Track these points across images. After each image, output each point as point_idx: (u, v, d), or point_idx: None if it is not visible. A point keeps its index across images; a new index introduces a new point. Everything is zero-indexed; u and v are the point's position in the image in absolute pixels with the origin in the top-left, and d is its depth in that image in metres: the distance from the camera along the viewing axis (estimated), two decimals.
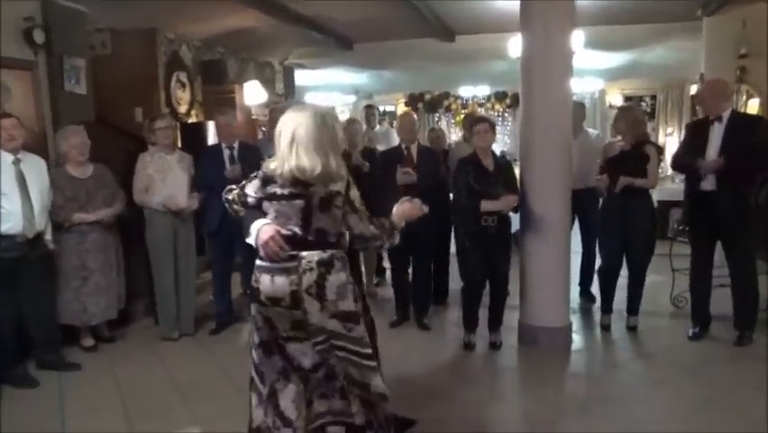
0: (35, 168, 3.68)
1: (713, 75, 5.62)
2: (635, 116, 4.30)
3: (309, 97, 10.54)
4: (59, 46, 4.60)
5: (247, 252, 4.46)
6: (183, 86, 6.58)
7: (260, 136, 6.77)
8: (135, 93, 5.87)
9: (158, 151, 4.26)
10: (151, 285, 4.39)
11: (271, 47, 7.78)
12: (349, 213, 2.30)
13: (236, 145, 4.40)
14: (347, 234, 2.31)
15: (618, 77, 9.70)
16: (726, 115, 3.89)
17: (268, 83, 8.01)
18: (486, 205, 3.75)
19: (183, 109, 6.57)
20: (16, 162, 3.56)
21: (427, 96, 11.25)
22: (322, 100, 11.59)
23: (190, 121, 6.58)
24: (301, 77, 9.36)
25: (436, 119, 11.27)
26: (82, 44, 4.97)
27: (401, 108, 11.16)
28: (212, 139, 5.65)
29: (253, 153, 4.46)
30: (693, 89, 8.69)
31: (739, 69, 5.93)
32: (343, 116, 11.13)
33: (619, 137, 4.37)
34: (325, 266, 2.21)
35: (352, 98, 12.06)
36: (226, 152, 4.35)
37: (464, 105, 11.05)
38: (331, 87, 10.98)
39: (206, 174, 4.28)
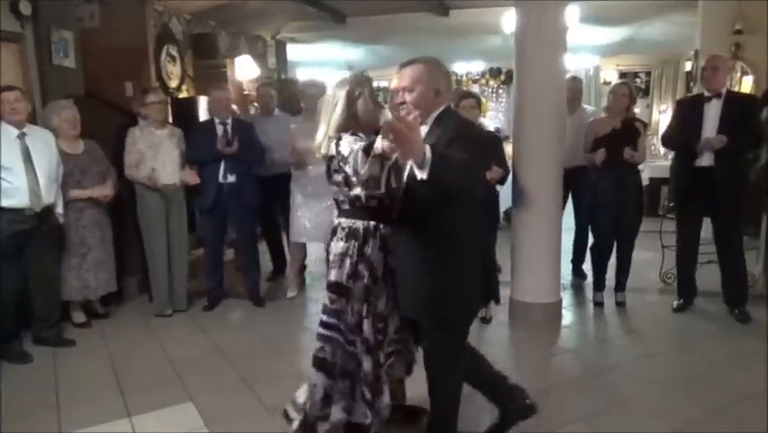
0: (42, 141, 3.63)
1: (708, 51, 5.58)
2: (633, 92, 4.31)
3: (302, 73, 10.41)
4: (46, 18, 4.51)
5: (241, 228, 4.50)
6: (173, 59, 6.48)
7: (251, 112, 6.70)
8: (125, 67, 5.77)
9: (148, 126, 4.22)
10: (144, 262, 4.39)
11: (263, 21, 7.66)
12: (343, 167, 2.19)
13: (230, 121, 4.36)
14: (362, 197, 2.23)
15: (614, 53, 9.62)
16: (724, 91, 3.88)
17: (260, 58, 7.89)
18: None
19: (174, 84, 6.48)
20: (21, 137, 3.50)
21: None
22: (315, 75, 11.48)
23: (181, 96, 6.50)
24: (294, 51, 9.23)
25: None
26: (70, 16, 4.87)
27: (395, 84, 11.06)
28: (203, 115, 5.60)
29: (247, 129, 4.44)
30: (688, 66, 8.64)
31: (734, 46, 5.92)
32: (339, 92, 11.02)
33: (604, 114, 4.40)
34: (333, 232, 2.34)
35: (346, 74, 11.93)
36: (220, 128, 4.31)
37: (458, 82, 10.95)
38: (324, 63, 10.84)
39: (200, 150, 4.24)
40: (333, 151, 2.20)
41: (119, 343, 3.84)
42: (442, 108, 2.18)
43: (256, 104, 6.53)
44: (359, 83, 2.29)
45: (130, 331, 4.07)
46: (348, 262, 2.25)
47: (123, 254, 4.40)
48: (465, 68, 10.94)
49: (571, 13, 5.94)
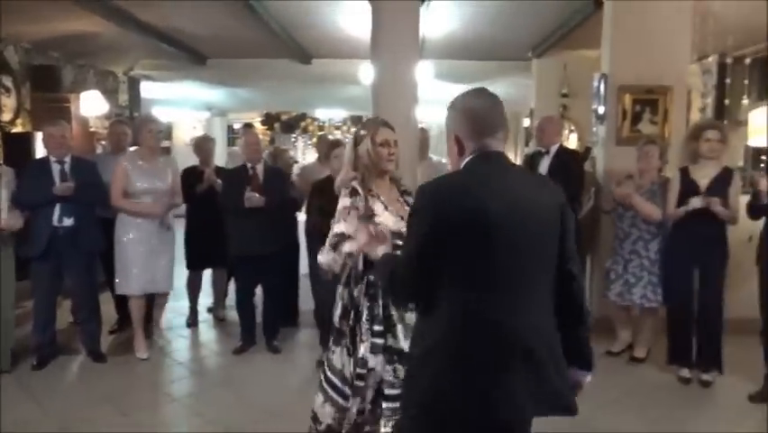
0: None
1: (541, 110, 6.30)
2: None
3: (157, 111, 9.99)
4: None
5: (78, 276, 4.08)
6: (8, 91, 5.91)
7: (98, 150, 6.26)
8: None
9: None
10: None
11: (115, 55, 7.27)
12: None
13: (68, 160, 4.01)
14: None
15: None
16: (553, 149, 4.38)
17: (110, 93, 7.46)
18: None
19: (7, 117, 5.89)
20: None
21: (284, 117, 11.23)
22: (172, 115, 11.06)
23: (14, 131, 5.91)
24: (149, 89, 8.86)
25: (293, 140, 11.28)
26: None
27: (257, 128, 11.01)
28: (41, 152, 5.11)
29: (89, 169, 4.11)
30: (527, 122, 9.63)
31: (561, 107, 6.73)
32: (196, 133, 10.71)
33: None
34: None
35: (206, 114, 11.66)
36: (56, 167, 3.95)
37: (321, 127, 11.19)
38: (182, 102, 10.53)
39: (31, 191, 3.85)
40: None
41: None
42: (469, 157, 1.66)
43: (104, 142, 6.13)
44: (365, 126, 2.45)
45: None
46: (340, 303, 2.37)
47: None
48: (327, 114, 11.22)
49: (426, 70, 6.40)
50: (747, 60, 5.83)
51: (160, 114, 10.16)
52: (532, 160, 4.51)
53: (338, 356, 2.38)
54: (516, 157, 10.51)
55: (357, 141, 2.43)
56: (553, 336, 1.63)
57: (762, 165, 5.43)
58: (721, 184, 3.63)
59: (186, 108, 10.83)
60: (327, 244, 2.34)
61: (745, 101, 5.93)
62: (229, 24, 5.87)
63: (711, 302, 3.67)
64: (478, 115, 1.65)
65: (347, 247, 2.23)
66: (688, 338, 3.77)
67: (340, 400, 2.35)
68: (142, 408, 3.45)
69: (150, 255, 4.10)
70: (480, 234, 1.51)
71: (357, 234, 2.07)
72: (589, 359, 1.76)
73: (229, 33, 6.27)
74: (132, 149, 4.68)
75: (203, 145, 4.96)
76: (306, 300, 4.56)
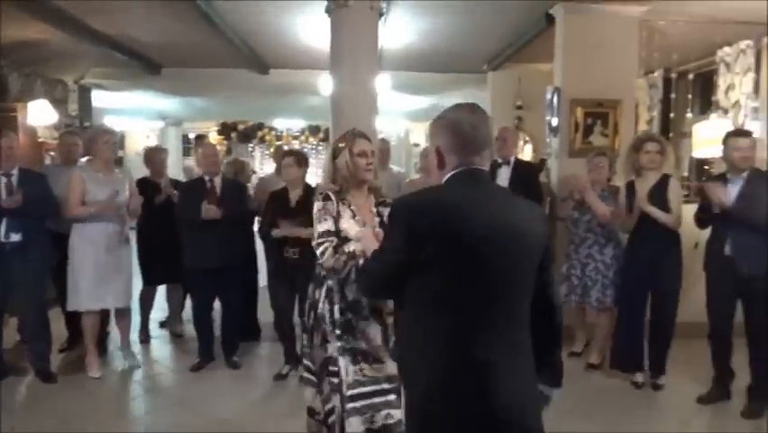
0: None
1: (497, 122, 6.40)
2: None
3: (109, 121, 9.73)
4: None
5: (26, 293, 3.91)
6: None
7: (47, 162, 6.05)
8: None
9: None
10: None
11: (64, 64, 7.05)
12: None
13: (15, 172, 3.86)
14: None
15: (422, 118, 10.58)
16: (511, 160, 4.48)
17: (59, 103, 7.22)
18: (276, 232, 3.77)
19: None
20: None
21: (241, 126, 11.10)
22: (124, 124, 10.79)
23: None
24: (100, 98, 8.62)
25: (250, 149, 11.16)
26: None
27: (213, 137, 10.85)
28: None
29: (38, 181, 3.96)
30: None
31: (516, 119, 6.89)
32: (149, 142, 10.47)
33: (418, 175, 4.80)
34: None
35: (160, 124, 11.41)
36: (2, 180, 3.79)
37: (279, 137, 11.11)
38: (135, 112, 10.28)
39: None
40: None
41: None
42: (451, 173, 1.61)
43: (53, 153, 5.92)
44: (344, 138, 2.47)
45: None
46: (308, 303, 2.51)
47: None
48: (285, 124, 11.15)
49: (384, 82, 6.45)
50: (691, 76, 6.11)
51: (113, 123, 9.89)
52: (491, 169, 4.60)
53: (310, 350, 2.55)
54: None
55: (335, 153, 2.48)
56: (529, 359, 1.60)
57: (704, 177, 5.70)
58: (659, 190, 3.77)
59: (139, 118, 10.57)
60: (321, 243, 2.35)
61: (689, 114, 6.23)
62: (185, 33, 5.78)
63: (666, 310, 3.78)
64: (462, 130, 1.58)
65: (350, 247, 2.32)
66: (637, 345, 3.88)
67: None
68: (96, 429, 3.32)
69: (107, 269, 3.96)
70: (455, 253, 1.46)
71: (362, 235, 2.18)
72: (560, 377, 1.76)
73: (185, 42, 6.17)
74: (83, 160, 4.54)
75: (153, 157, 4.82)
76: (265, 313, 4.50)
